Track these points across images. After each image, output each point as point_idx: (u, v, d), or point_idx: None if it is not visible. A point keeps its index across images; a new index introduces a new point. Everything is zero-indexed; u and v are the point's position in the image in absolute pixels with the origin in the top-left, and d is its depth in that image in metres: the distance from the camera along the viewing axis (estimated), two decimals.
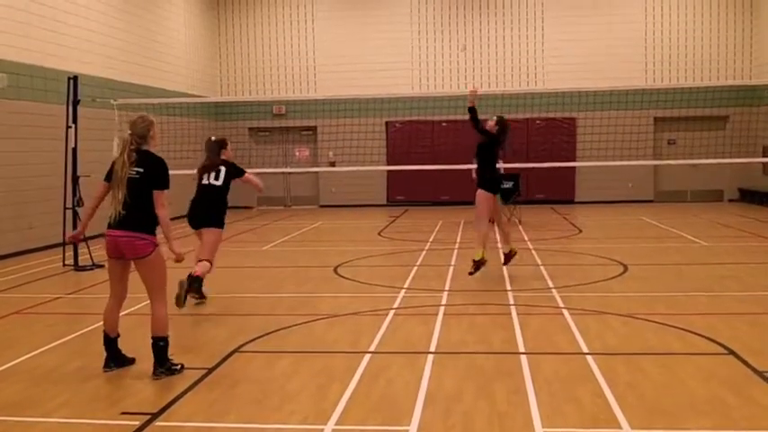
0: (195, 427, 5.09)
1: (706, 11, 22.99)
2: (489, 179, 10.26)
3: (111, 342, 6.27)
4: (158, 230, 6.15)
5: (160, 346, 6.08)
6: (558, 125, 23.28)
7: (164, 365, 6.06)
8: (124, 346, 6.43)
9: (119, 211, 6.00)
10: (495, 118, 10.45)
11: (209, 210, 8.77)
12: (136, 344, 6.63)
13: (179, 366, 6.14)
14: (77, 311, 9.08)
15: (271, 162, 23.64)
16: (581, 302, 8.70)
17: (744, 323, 7.62)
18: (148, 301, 6.25)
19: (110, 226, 6.08)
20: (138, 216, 6.01)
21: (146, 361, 6.50)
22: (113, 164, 6.15)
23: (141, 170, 6.06)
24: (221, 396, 5.64)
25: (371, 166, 20.52)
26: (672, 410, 5.17)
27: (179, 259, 6.26)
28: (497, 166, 10.89)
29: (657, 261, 11.93)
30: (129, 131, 6.16)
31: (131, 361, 6.36)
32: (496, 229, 10.89)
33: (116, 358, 6.29)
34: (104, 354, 6.31)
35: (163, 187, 6.13)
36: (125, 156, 6.08)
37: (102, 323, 6.37)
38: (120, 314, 6.43)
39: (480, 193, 10.23)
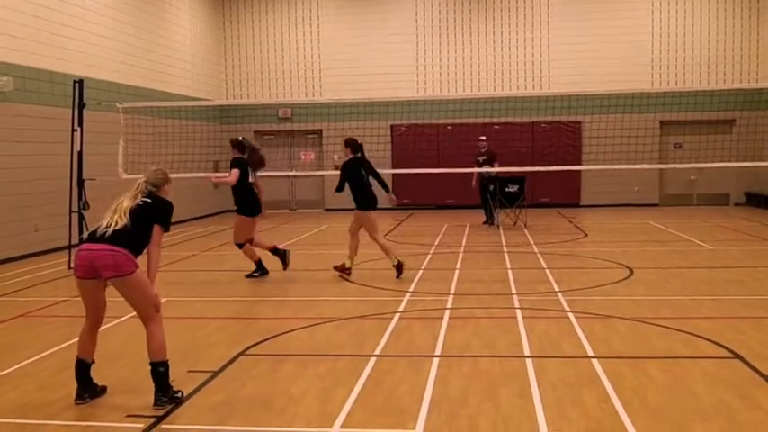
0: (200, 430, 5.09)
1: (712, 14, 22.95)
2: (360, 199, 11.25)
3: (85, 369, 5.70)
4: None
5: (160, 371, 5.55)
6: (564, 128, 23.26)
7: (166, 393, 5.55)
8: (127, 350, 6.41)
9: (104, 230, 5.56)
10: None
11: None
12: (140, 345, 6.55)
13: (180, 394, 5.68)
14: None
15: (276, 165, 23.60)
16: (586, 306, 8.68)
17: (749, 327, 7.59)
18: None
19: (85, 240, 5.67)
20: (124, 238, 5.53)
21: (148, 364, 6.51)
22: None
23: (149, 201, 5.79)
24: (226, 399, 5.64)
25: (376, 170, 20.45)
26: (677, 415, 5.15)
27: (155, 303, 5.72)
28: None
29: (663, 265, 11.90)
30: (144, 179, 5.94)
31: (104, 390, 5.83)
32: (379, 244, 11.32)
33: (89, 388, 5.72)
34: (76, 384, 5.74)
35: (164, 225, 5.80)
36: (134, 193, 5.83)
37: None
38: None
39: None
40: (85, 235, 5.71)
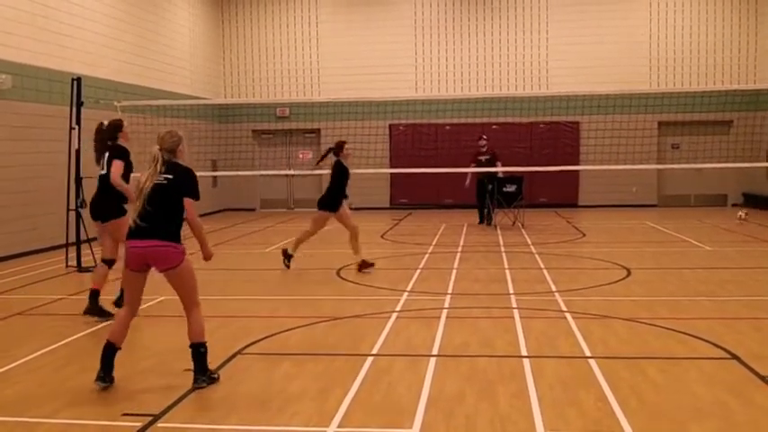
0: (197, 429, 5.08)
1: (711, 15, 22.97)
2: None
3: (113, 353, 5.90)
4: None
5: (201, 352, 5.88)
6: (562, 129, 23.28)
7: (205, 373, 5.87)
8: (132, 345, 6.40)
9: (137, 222, 5.78)
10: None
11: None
12: (144, 342, 6.59)
13: (217, 375, 6.01)
14: (80, 312, 9.07)
15: (274, 164, 23.67)
16: (584, 306, 8.68)
17: (747, 327, 7.60)
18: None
19: (131, 236, 5.85)
20: (164, 225, 5.80)
21: (147, 361, 6.51)
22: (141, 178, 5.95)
23: (170, 177, 5.86)
24: (223, 398, 5.63)
25: (374, 169, 20.50)
26: (675, 415, 5.16)
27: (208, 258, 6.20)
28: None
29: (661, 265, 11.91)
30: (158, 146, 5.98)
31: (113, 379, 5.93)
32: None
33: (111, 372, 5.88)
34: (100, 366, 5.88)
35: (194, 196, 5.94)
36: (155, 167, 5.89)
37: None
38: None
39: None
40: (131, 220, 5.85)
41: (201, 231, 6.06)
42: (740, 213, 17.37)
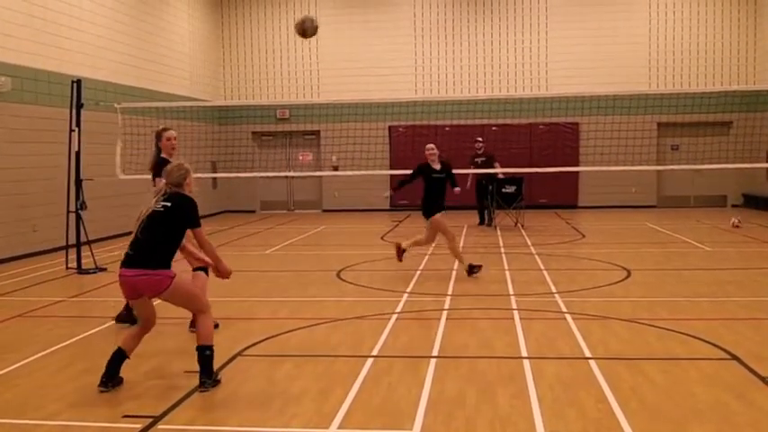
0: (197, 430, 5.09)
1: (710, 16, 22.98)
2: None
3: (121, 360, 5.94)
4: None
5: (206, 355, 5.89)
6: (562, 130, 23.28)
7: (210, 376, 5.88)
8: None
9: (132, 250, 5.81)
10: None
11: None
12: (144, 343, 6.54)
13: (219, 378, 6.03)
14: (80, 315, 9.09)
15: (274, 166, 23.67)
16: (584, 307, 8.69)
17: (747, 328, 7.60)
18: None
19: (122, 265, 5.88)
20: (153, 253, 5.77)
21: (148, 363, 6.51)
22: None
23: (168, 204, 5.89)
24: (223, 400, 5.64)
25: (374, 171, 20.50)
26: (675, 415, 5.16)
27: (225, 276, 6.26)
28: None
29: (660, 266, 11.92)
30: (165, 180, 6.03)
31: (121, 381, 5.99)
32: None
33: (116, 378, 5.93)
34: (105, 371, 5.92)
35: (194, 224, 5.97)
36: (152, 202, 5.95)
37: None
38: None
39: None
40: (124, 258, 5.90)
41: (214, 253, 6.16)
42: (733, 219, 17.16)
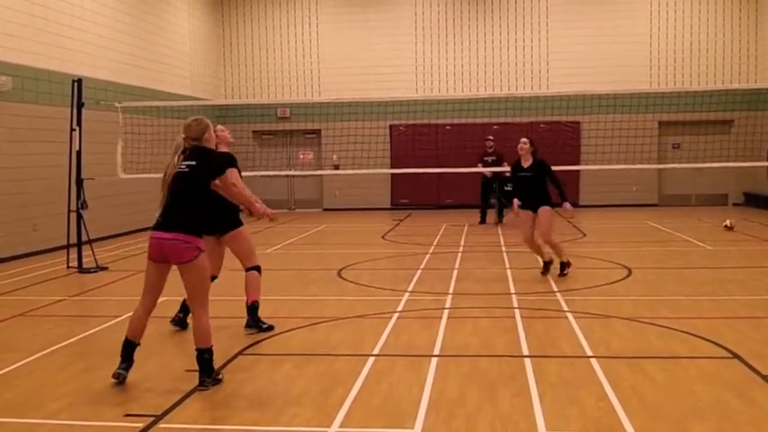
0: (199, 429, 5.09)
1: (711, 15, 22.97)
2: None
3: (132, 349, 5.96)
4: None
5: (205, 358, 5.82)
6: (563, 129, 23.26)
7: (210, 375, 5.83)
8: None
9: (161, 215, 5.77)
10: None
11: None
12: (146, 342, 6.54)
13: (221, 376, 6.01)
14: (81, 314, 9.09)
15: (275, 165, 23.65)
16: (585, 306, 8.69)
17: (748, 327, 7.60)
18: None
19: (154, 228, 5.81)
20: (182, 216, 5.71)
21: (149, 362, 6.50)
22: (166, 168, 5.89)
23: (193, 163, 5.76)
24: (225, 399, 5.64)
25: (375, 170, 20.50)
26: (675, 414, 5.16)
27: (273, 218, 6.35)
28: None
29: (661, 265, 11.91)
30: (183, 135, 5.90)
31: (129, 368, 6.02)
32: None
33: (130, 367, 5.96)
34: (119, 359, 5.96)
35: (221, 172, 5.88)
36: (175, 159, 5.81)
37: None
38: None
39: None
40: (158, 213, 5.84)
41: (245, 195, 6.20)
42: (726, 222, 16.92)
